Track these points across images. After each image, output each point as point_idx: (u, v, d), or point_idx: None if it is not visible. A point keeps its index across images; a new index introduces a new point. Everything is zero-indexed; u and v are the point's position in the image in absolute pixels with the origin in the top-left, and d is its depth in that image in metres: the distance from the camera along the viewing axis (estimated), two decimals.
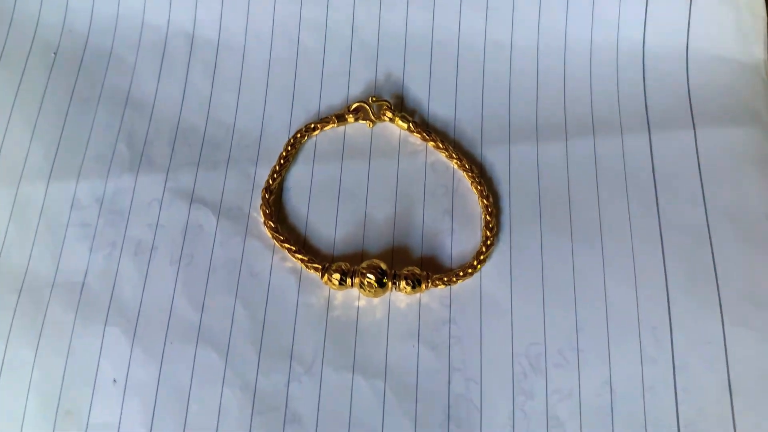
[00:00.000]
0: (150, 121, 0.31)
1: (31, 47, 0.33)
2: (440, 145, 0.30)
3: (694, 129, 0.30)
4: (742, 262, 0.28)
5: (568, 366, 0.27)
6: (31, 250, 0.29)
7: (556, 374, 0.27)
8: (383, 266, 0.27)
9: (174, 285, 0.28)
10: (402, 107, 0.32)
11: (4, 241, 0.29)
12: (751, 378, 0.26)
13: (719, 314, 0.27)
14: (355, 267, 0.27)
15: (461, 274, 0.28)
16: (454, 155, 0.30)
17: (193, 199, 0.29)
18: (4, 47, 0.33)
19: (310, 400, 0.26)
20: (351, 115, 0.31)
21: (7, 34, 0.33)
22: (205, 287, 0.28)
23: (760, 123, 0.31)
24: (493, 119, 0.31)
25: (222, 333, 0.27)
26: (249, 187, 0.30)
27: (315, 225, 0.29)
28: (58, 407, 0.26)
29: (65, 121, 0.31)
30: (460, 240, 0.29)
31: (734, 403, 0.26)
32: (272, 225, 0.29)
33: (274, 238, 0.28)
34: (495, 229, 0.29)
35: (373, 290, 0.27)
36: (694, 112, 0.31)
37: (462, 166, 0.30)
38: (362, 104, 0.31)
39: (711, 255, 0.28)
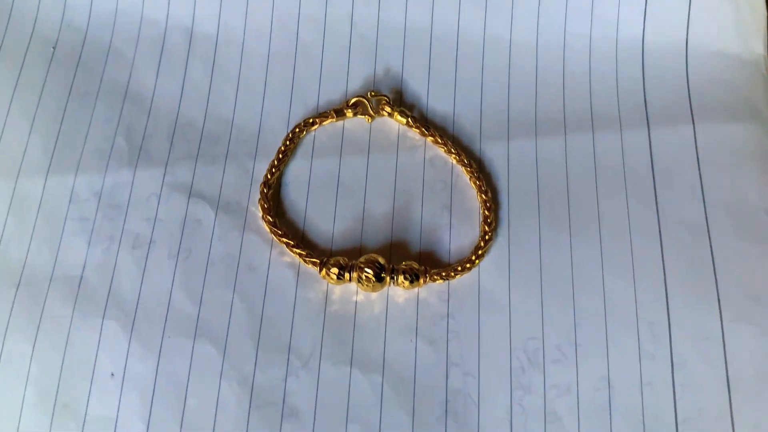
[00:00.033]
0: (148, 115, 0.31)
1: (30, 41, 0.33)
2: (439, 140, 0.30)
3: (694, 124, 0.30)
4: (741, 257, 0.28)
5: (566, 361, 0.27)
6: (30, 244, 0.29)
7: (554, 369, 0.27)
8: (381, 261, 0.27)
9: (172, 279, 0.28)
10: (401, 102, 0.32)
11: (2, 235, 0.29)
12: (750, 373, 0.26)
13: (717, 310, 0.27)
14: (353, 261, 0.27)
15: (459, 269, 0.28)
16: (452, 150, 0.30)
17: (191, 193, 0.29)
18: (2, 41, 0.33)
19: (307, 394, 0.26)
20: (350, 110, 0.31)
21: (6, 28, 0.33)
22: (203, 281, 0.28)
23: (760, 119, 0.31)
24: (492, 114, 0.31)
25: (220, 327, 0.27)
26: (247, 181, 0.30)
27: (313, 220, 0.29)
28: (56, 400, 0.26)
29: (64, 115, 0.31)
30: (458, 235, 0.29)
31: (732, 399, 0.26)
32: (270, 219, 0.29)
33: (272, 232, 0.28)
34: (493, 224, 0.29)
35: (371, 285, 0.27)
36: (693, 108, 0.31)
37: (461, 161, 0.30)
38: (361, 99, 0.31)
39: (710, 250, 0.28)
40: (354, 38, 0.32)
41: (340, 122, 0.31)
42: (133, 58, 0.32)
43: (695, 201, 0.29)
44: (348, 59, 0.32)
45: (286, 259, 0.28)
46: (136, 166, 0.30)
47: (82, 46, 0.33)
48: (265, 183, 0.29)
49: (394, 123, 0.31)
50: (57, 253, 0.28)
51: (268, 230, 0.29)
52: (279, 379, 0.27)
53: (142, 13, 0.33)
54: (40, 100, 0.31)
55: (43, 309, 0.27)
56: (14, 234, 0.29)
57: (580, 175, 0.30)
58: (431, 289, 0.28)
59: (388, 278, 0.27)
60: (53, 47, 0.33)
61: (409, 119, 0.30)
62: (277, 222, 0.29)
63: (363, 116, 0.31)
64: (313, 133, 0.31)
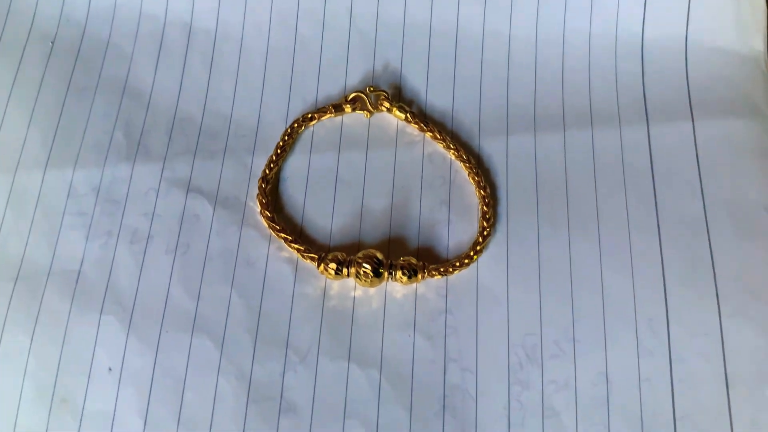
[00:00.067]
0: (147, 110, 0.31)
1: (28, 36, 0.33)
2: (438, 136, 0.30)
3: (693, 121, 0.30)
4: (740, 254, 0.28)
5: (564, 357, 0.27)
6: (28, 238, 0.29)
7: (552, 365, 0.26)
8: (379, 256, 0.27)
9: (170, 274, 0.28)
10: (400, 97, 0.31)
11: (0, 229, 0.29)
12: (748, 370, 0.26)
13: (716, 306, 0.27)
14: (352, 257, 0.27)
15: (458, 264, 0.28)
16: (451, 146, 0.30)
17: (189, 188, 0.29)
18: (1, 36, 0.33)
19: (305, 389, 0.26)
20: (348, 105, 0.31)
21: (5, 22, 0.33)
22: (201, 276, 0.28)
23: (759, 115, 0.31)
24: (491, 110, 0.31)
25: (218, 322, 0.27)
26: (246, 176, 0.30)
27: (311, 215, 0.29)
28: (53, 395, 0.26)
29: (62, 109, 0.31)
30: (457, 230, 0.29)
31: (730, 395, 0.26)
32: (269, 214, 0.29)
33: (270, 227, 0.28)
34: (492, 220, 0.29)
35: (369, 280, 0.27)
36: (692, 104, 0.31)
37: (459, 157, 0.30)
38: (360, 94, 0.31)
39: (708, 247, 0.28)
40: (353, 33, 0.32)
41: (339, 117, 0.31)
42: (131, 53, 0.32)
43: (694, 197, 0.29)
44: (347, 54, 0.32)
45: (284, 254, 0.28)
46: (134, 161, 0.30)
47: (81, 41, 0.33)
48: (264, 178, 0.29)
49: (392, 118, 0.31)
50: (55, 248, 0.28)
51: (267, 225, 0.29)
52: (277, 374, 0.27)
53: (140, 8, 0.33)
54: (38, 94, 0.31)
55: (41, 303, 0.27)
56: (12, 228, 0.29)
57: (579, 171, 0.30)
58: (429, 284, 0.28)
59: (386, 274, 0.27)
60: (52, 42, 0.33)
61: (408, 115, 0.30)
62: (276, 217, 0.29)
63: (362, 112, 0.31)
64: (311, 128, 0.31)
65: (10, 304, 0.27)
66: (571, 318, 0.27)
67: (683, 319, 0.27)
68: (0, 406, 0.26)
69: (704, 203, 0.29)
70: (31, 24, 0.33)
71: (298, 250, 0.28)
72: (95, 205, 0.29)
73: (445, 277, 0.28)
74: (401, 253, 0.28)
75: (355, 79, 0.32)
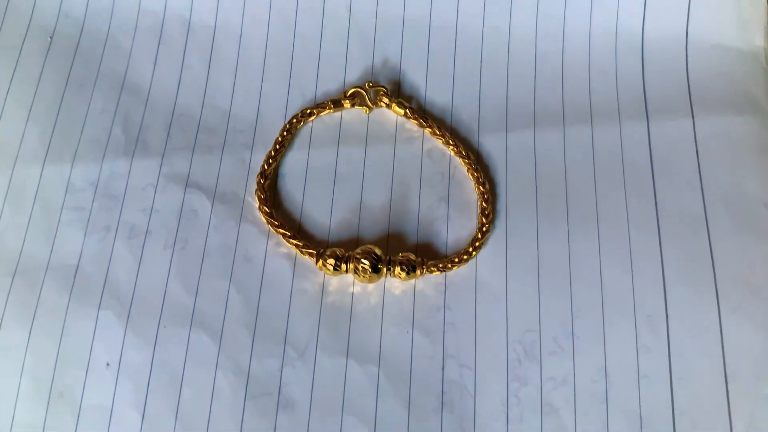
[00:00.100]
0: (146, 105, 0.31)
1: (27, 31, 0.33)
2: (437, 132, 0.30)
3: (693, 117, 0.30)
4: (739, 250, 0.28)
5: (562, 353, 0.27)
6: (26, 233, 0.28)
7: (551, 361, 0.26)
8: (378, 252, 0.27)
9: (168, 269, 0.28)
10: (399, 93, 0.31)
11: None
12: (747, 366, 0.26)
13: (715, 302, 0.27)
14: (350, 253, 0.27)
15: (456, 260, 0.28)
16: (450, 142, 0.30)
17: (188, 183, 0.29)
18: (0, 31, 0.33)
19: (303, 384, 0.26)
20: (347, 101, 0.31)
21: (4, 17, 0.33)
22: (199, 272, 0.28)
23: (760, 111, 0.30)
24: (491, 106, 0.31)
25: (216, 317, 0.27)
26: (244, 172, 0.30)
27: (310, 211, 0.29)
28: (51, 389, 0.26)
29: (61, 105, 0.31)
30: (455, 227, 0.29)
31: (729, 391, 0.26)
32: (267, 210, 0.29)
33: (268, 223, 0.28)
34: (491, 216, 0.29)
35: (367, 276, 0.27)
36: (693, 100, 0.31)
37: (458, 153, 0.30)
38: (359, 90, 0.31)
39: (708, 243, 0.28)
40: (352, 29, 0.32)
41: (338, 113, 0.31)
42: (130, 49, 0.32)
43: (694, 193, 0.29)
44: (346, 50, 0.32)
45: (283, 250, 0.28)
46: (132, 156, 0.30)
47: (80, 36, 0.33)
48: (262, 174, 0.29)
49: (392, 114, 0.31)
50: (53, 243, 0.28)
51: (265, 221, 0.29)
52: (275, 370, 0.26)
53: (139, 4, 0.33)
54: (37, 89, 0.31)
55: (38, 298, 0.27)
56: (10, 223, 0.29)
57: (578, 168, 0.30)
58: (428, 280, 0.28)
59: (384, 269, 0.27)
60: (50, 37, 0.33)
61: (407, 110, 0.30)
62: (274, 213, 0.29)
63: (361, 107, 0.31)
64: (310, 123, 0.31)
65: (8, 298, 0.27)
66: (570, 314, 0.27)
67: (682, 315, 0.27)
68: None
69: (704, 200, 0.29)
70: (30, 19, 0.33)
71: (296, 245, 0.28)
72: (93, 200, 0.29)
73: (443, 273, 0.28)
74: (400, 249, 0.28)
75: (354, 74, 0.32)
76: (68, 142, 0.30)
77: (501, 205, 0.29)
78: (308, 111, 0.30)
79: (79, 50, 0.32)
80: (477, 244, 0.28)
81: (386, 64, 0.32)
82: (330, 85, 0.31)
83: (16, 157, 0.30)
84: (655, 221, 0.29)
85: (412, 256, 0.27)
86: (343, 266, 0.27)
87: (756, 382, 0.26)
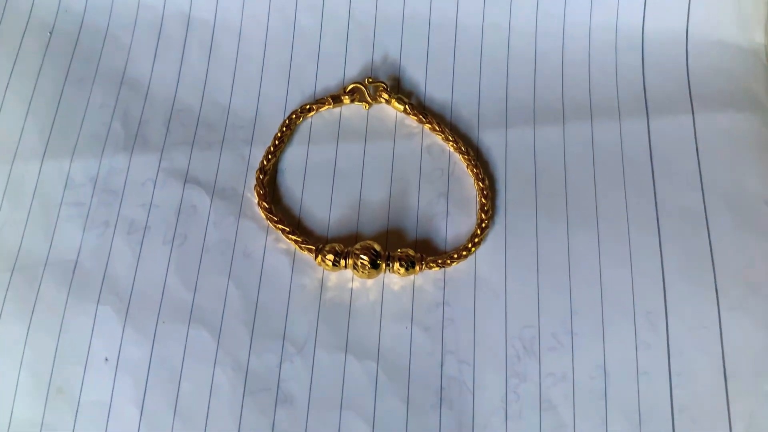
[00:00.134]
0: (145, 100, 0.31)
1: (26, 26, 0.33)
2: (436, 128, 0.30)
3: (693, 114, 0.30)
4: (739, 247, 0.28)
5: (561, 349, 0.27)
6: (25, 229, 0.28)
7: (550, 357, 0.26)
8: (377, 247, 0.27)
9: (167, 265, 0.28)
10: (398, 89, 0.31)
11: None
12: (746, 363, 0.26)
13: (715, 299, 0.27)
14: (349, 248, 0.27)
15: (456, 256, 0.28)
16: (450, 138, 0.30)
17: (187, 179, 0.29)
18: None
19: (302, 380, 0.26)
20: (347, 97, 0.31)
21: (3, 13, 0.33)
22: (198, 267, 0.28)
23: (760, 108, 0.30)
24: (491, 102, 0.31)
25: (214, 313, 0.27)
26: (243, 167, 0.30)
27: (309, 206, 0.29)
28: (49, 385, 0.26)
29: (60, 100, 0.31)
30: (455, 223, 0.29)
31: (729, 388, 0.26)
32: (266, 206, 0.28)
33: (267, 219, 0.28)
34: (490, 212, 0.29)
35: (366, 271, 0.27)
36: (693, 97, 0.31)
37: (458, 149, 0.30)
38: (358, 85, 0.31)
39: (708, 240, 0.28)
40: (352, 24, 0.32)
41: (337, 109, 0.31)
42: (130, 44, 0.32)
43: (694, 190, 0.29)
44: (346, 46, 0.32)
45: (282, 245, 0.28)
46: (132, 152, 0.30)
47: (79, 32, 0.32)
48: (261, 169, 0.29)
49: (391, 110, 0.31)
50: (52, 238, 0.28)
51: (264, 217, 0.28)
52: (273, 365, 0.26)
53: None
54: (36, 84, 0.31)
55: (37, 294, 0.27)
56: (9, 218, 0.29)
57: (578, 164, 0.30)
58: (427, 276, 0.28)
59: (383, 265, 0.27)
60: (50, 32, 0.32)
61: (407, 106, 0.30)
62: (273, 208, 0.29)
63: (360, 103, 0.31)
64: (309, 119, 0.31)
65: (6, 294, 0.27)
66: (569, 310, 0.27)
67: (682, 312, 0.27)
68: None
69: (704, 196, 0.29)
70: (29, 14, 0.33)
71: (295, 241, 0.28)
72: (92, 195, 0.29)
73: (442, 269, 0.28)
74: (399, 245, 0.28)
75: (353, 70, 0.32)
76: (67, 137, 0.30)
77: (500, 202, 0.29)
78: (308, 107, 0.30)
79: (79, 45, 0.32)
80: (476, 240, 0.28)
81: (386, 60, 0.32)
82: (329, 80, 0.31)
83: (15, 152, 0.30)
84: (655, 218, 0.28)
85: (412, 252, 0.27)
86: (342, 262, 0.27)
87: (755, 379, 0.26)
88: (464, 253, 0.28)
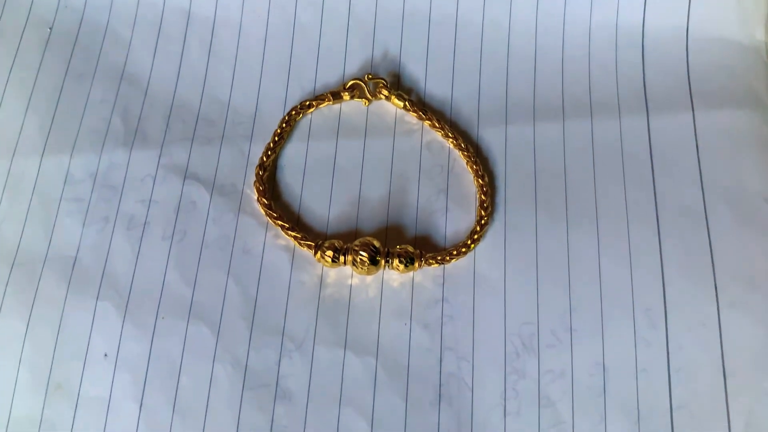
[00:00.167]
0: (145, 96, 0.31)
1: (26, 22, 0.32)
2: (436, 125, 0.30)
3: (693, 111, 0.30)
4: (739, 244, 0.28)
5: (560, 346, 0.27)
6: (24, 224, 0.28)
7: (549, 354, 0.26)
8: (376, 244, 0.27)
9: (166, 260, 0.28)
10: (398, 86, 0.31)
11: None
12: (745, 360, 0.26)
13: (714, 296, 0.27)
14: (348, 245, 0.27)
15: (455, 253, 0.28)
16: (450, 135, 0.30)
17: (186, 175, 0.29)
18: None
19: (301, 376, 0.26)
20: (347, 93, 0.31)
21: (3, 8, 0.33)
22: (197, 263, 0.28)
23: (760, 106, 0.30)
24: (491, 99, 0.31)
25: (214, 309, 0.27)
26: (243, 163, 0.30)
27: (309, 203, 0.29)
28: (48, 380, 0.26)
29: (60, 95, 0.31)
30: (454, 219, 0.29)
31: (728, 385, 0.26)
32: (266, 202, 0.28)
33: (267, 215, 0.28)
34: (490, 209, 0.28)
35: (365, 268, 0.27)
36: (693, 94, 0.31)
37: (458, 146, 0.30)
38: (358, 82, 0.31)
39: (707, 237, 0.28)
40: (352, 21, 0.32)
41: (337, 105, 0.31)
42: (130, 40, 0.32)
43: (694, 188, 0.29)
44: (346, 42, 0.32)
45: (281, 241, 0.28)
46: (131, 147, 0.30)
47: (79, 27, 0.32)
48: (261, 165, 0.29)
49: (391, 106, 0.31)
50: (51, 234, 0.28)
51: (263, 213, 0.28)
52: (272, 361, 0.26)
53: None
54: (36, 80, 0.31)
55: (37, 289, 0.27)
56: (9, 214, 0.29)
57: (578, 161, 0.30)
58: (426, 273, 0.28)
59: (383, 261, 0.27)
60: (50, 28, 0.32)
61: (407, 103, 0.30)
62: (273, 205, 0.29)
63: (360, 99, 0.31)
64: (309, 115, 0.31)
65: (6, 289, 0.27)
66: (568, 307, 0.27)
67: (681, 309, 0.27)
68: None
69: (704, 194, 0.29)
70: (30, 10, 0.33)
71: (295, 237, 0.28)
72: (92, 191, 0.29)
73: (442, 266, 0.28)
74: (398, 242, 0.28)
75: (353, 66, 0.32)
76: (67, 132, 0.30)
77: (500, 198, 0.29)
78: (307, 103, 0.30)
79: (79, 41, 0.32)
80: (476, 236, 0.28)
81: (386, 56, 0.32)
82: (329, 77, 0.31)
83: (15, 147, 0.30)
84: (655, 215, 0.28)
85: (411, 249, 0.27)
86: (342, 258, 0.27)
87: (754, 376, 0.26)
88: (463, 249, 0.28)
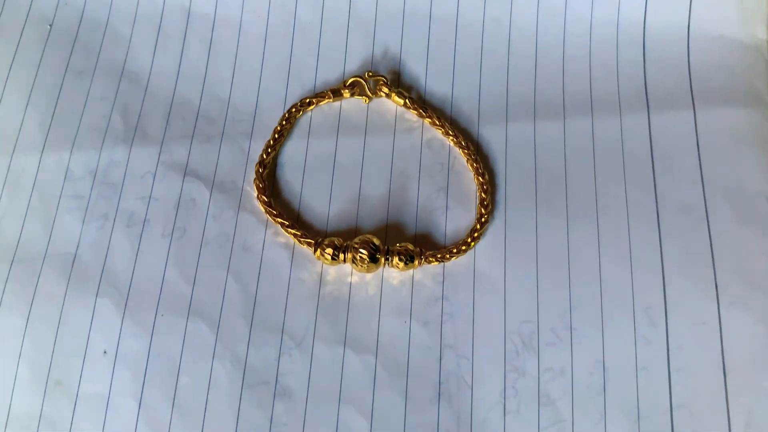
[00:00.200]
0: (145, 94, 0.31)
1: (26, 19, 0.32)
2: (436, 122, 0.30)
3: (694, 109, 0.30)
4: (739, 242, 0.28)
5: (560, 344, 0.26)
6: (24, 221, 0.28)
7: (549, 352, 0.26)
8: (376, 242, 0.27)
9: (166, 258, 0.28)
10: (399, 83, 0.31)
11: None
12: (745, 359, 0.26)
13: (715, 295, 0.27)
14: (348, 242, 0.27)
15: (455, 251, 0.28)
16: (450, 132, 0.30)
17: (186, 172, 0.29)
18: None
19: (300, 374, 0.26)
20: (347, 91, 0.30)
21: (3, 5, 0.33)
22: (197, 260, 0.28)
23: (761, 104, 0.30)
24: (491, 97, 0.31)
25: (213, 306, 0.27)
26: (243, 161, 0.30)
27: (309, 200, 0.29)
28: (48, 377, 0.26)
29: (60, 92, 0.31)
30: (454, 217, 0.29)
31: (728, 384, 0.26)
32: (265, 199, 0.28)
33: (267, 212, 0.28)
34: (490, 207, 0.28)
35: (365, 266, 0.27)
36: (694, 93, 0.31)
37: (458, 144, 0.30)
38: (358, 79, 0.30)
39: (708, 235, 0.28)
40: (352, 18, 0.32)
41: (337, 103, 0.31)
42: (130, 37, 0.32)
43: (694, 186, 0.29)
44: (346, 39, 0.32)
45: (281, 239, 0.28)
46: (131, 145, 0.30)
47: (79, 24, 0.32)
48: (261, 163, 0.29)
49: (391, 104, 0.31)
50: (51, 231, 0.28)
51: (263, 210, 0.28)
52: (272, 359, 0.26)
53: None
54: (36, 77, 0.31)
55: (36, 286, 0.27)
56: (8, 210, 0.29)
57: (578, 159, 0.30)
58: (426, 270, 0.28)
59: (382, 259, 0.27)
60: (50, 25, 0.32)
61: (407, 100, 0.30)
62: (272, 202, 0.29)
63: (360, 97, 0.31)
64: (309, 113, 0.31)
65: (5, 286, 0.27)
66: (568, 305, 0.27)
67: (681, 307, 0.27)
68: None
69: (704, 192, 0.29)
70: (29, 7, 0.33)
71: (294, 235, 0.28)
72: (92, 188, 0.29)
73: (442, 264, 0.28)
74: (398, 239, 0.28)
75: (354, 64, 0.31)
76: (67, 130, 0.30)
77: (500, 196, 0.29)
78: (307, 100, 0.30)
79: (79, 38, 0.32)
80: (476, 234, 0.28)
81: (386, 53, 0.32)
82: (329, 74, 0.31)
83: (15, 144, 0.30)
84: (655, 213, 0.28)
85: (411, 247, 0.27)
86: (342, 256, 0.27)
87: (755, 374, 0.26)
88: (463, 247, 0.28)
